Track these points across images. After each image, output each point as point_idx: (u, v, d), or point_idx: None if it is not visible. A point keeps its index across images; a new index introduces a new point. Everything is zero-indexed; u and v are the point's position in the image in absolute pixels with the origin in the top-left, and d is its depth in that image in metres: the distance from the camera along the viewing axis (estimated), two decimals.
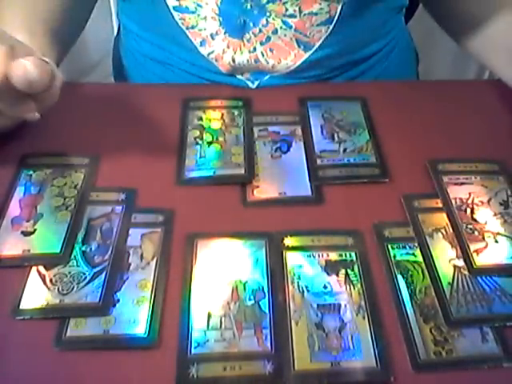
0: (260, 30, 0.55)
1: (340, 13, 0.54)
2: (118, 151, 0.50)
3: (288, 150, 0.51)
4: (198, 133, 0.52)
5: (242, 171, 0.48)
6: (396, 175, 0.48)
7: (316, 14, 0.53)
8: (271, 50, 0.56)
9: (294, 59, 0.57)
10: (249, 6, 0.53)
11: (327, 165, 0.49)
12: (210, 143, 0.51)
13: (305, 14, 0.53)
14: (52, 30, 0.53)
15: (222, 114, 0.54)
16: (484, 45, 0.58)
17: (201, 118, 0.53)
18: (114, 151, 0.50)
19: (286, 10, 0.53)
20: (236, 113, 0.54)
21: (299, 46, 0.56)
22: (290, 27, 0.54)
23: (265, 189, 0.47)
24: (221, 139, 0.51)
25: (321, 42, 0.56)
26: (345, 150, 0.50)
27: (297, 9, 0.52)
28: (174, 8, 0.54)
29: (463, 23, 0.59)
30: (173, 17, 0.55)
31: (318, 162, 0.49)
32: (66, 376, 0.35)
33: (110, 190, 0.46)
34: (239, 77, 0.59)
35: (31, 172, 0.47)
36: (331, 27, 0.55)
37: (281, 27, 0.54)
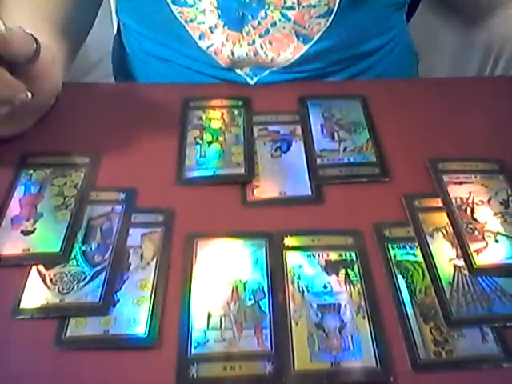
0: (259, 23, 0.55)
1: (339, 5, 0.53)
2: (118, 151, 0.50)
3: (288, 149, 0.51)
4: (197, 132, 0.52)
5: (242, 171, 0.48)
6: (396, 174, 0.48)
7: (315, 6, 0.53)
8: (270, 43, 0.56)
9: (293, 52, 0.57)
10: None
11: (327, 164, 0.49)
12: (209, 143, 0.51)
13: (303, 7, 0.53)
14: (58, 29, 0.54)
15: (222, 114, 0.54)
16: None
17: (201, 118, 0.53)
18: (114, 151, 0.50)
19: (285, 2, 0.53)
20: (236, 112, 0.54)
21: (298, 39, 0.56)
22: (289, 19, 0.54)
23: (265, 188, 0.47)
24: (221, 139, 0.51)
25: (320, 34, 0.56)
26: (345, 149, 0.50)
27: (295, 1, 0.52)
28: (172, 2, 0.54)
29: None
30: (171, 11, 0.55)
31: (318, 161, 0.49)
32: (66, 376, 0.35)
33: (109, 189, 0.46)
34: (238, 71, 0.59)
35: (31, 171, 0.47)
36: (330, 20, 0.55)
37: (279, 20, 0.54)
